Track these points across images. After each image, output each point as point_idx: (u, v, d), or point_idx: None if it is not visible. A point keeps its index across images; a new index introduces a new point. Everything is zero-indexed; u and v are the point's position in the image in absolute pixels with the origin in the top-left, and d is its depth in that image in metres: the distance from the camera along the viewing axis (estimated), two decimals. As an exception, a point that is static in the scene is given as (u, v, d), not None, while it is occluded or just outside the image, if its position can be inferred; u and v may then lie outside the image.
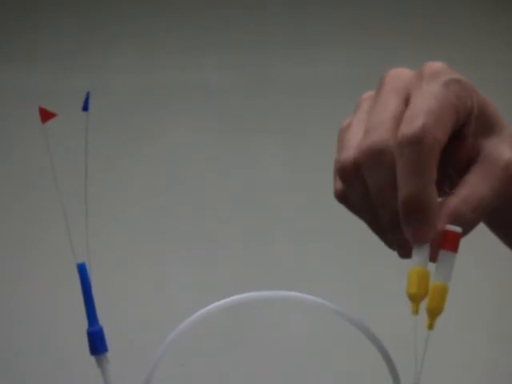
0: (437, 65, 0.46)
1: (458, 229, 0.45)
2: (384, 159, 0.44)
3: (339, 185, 0.48)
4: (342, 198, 0.49)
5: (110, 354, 0.44)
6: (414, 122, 0.44)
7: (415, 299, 0.45)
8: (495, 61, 2.18)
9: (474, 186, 0.45)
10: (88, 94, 0.44)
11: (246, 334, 2.09)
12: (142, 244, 2.13)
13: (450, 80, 0.46)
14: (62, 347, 2.07)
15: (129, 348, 1.97)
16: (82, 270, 0.43)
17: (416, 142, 0.43)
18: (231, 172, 2.16)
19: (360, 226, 0.55)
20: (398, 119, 0.45)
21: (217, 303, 0.44)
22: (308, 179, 2.09)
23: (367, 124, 0.46)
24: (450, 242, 0.45)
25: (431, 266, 0.46)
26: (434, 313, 0.46)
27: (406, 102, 0.46)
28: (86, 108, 0.43)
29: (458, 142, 0.46)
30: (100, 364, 0.43)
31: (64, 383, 2.09)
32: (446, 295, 0.45)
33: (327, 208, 1.71)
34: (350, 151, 0.46)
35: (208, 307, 0.43)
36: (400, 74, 0.48)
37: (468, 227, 0.45)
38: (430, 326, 0.46)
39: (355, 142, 0.46)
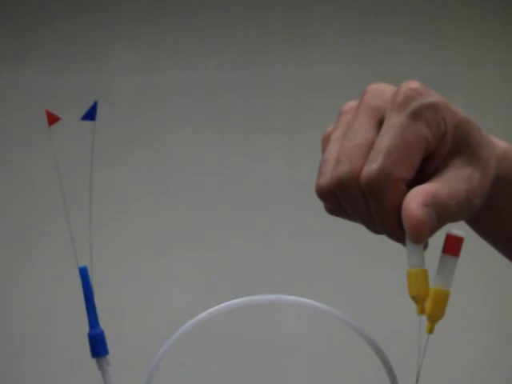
0: (411, 87, 0.47)
1: (462, 233, 0.46)
2: (349, 190, 0.47)
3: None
4: (331, 212, 0.51)
5: (110, 356, 0.45)
6: (373, 164, 0.46)
7: (417, 300, 0.46)
8: (495, 61, 2.18)
9: (446, 180, 0.46)
10: (96, 103, 0.44)
11: (245, 334, 2.10)
12: (142, 244, 2.13)
13: (421, 107, 0.46)
14: (62, 348, 2.08)
15: (129, 349, 1.97)
16: (84, 273, 0.43)
17: (373, 184, 0.45)
18: (231, 171, 2.17)
19: (359, 226, 0.56)
20: (368, 146, 0.47)
21: (218, 306, 0.44)
22: (308, 179, 2.09)
23: (338, 152, 0.48)
24: (452, 246, 0.46)
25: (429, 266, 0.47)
26: (434, 318, 0.46)
27: (380, 123, 0.47)
28: (92, 117, 0.43)
29: (428, 160, 0.47)
30: (101, 366, 0.44)
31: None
32: (446, 300, 0.46)
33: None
34: (324, 178, 0.48)
35: (209, 310, 0.44)
36: (379, 93, 0.48)
37: (445, 213, 0.46)
38: (430, 330, 0.46)
39: (328, 170, 0.48)
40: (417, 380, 0.47)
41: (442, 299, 0.46)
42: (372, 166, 0.45)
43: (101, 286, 0.56)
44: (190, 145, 2.18)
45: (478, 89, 2.13)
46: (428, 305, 0.46)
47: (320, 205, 0.51)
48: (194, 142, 2.18)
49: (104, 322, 0.49)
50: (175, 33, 2.21)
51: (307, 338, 2.09)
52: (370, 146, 0.47)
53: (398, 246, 0.51)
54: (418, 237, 0.45)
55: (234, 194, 2.16)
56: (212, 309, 0.43)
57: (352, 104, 0.50)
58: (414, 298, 0.46)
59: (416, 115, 0.46)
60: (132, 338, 2.04)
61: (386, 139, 0.46)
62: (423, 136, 0.46)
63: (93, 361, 0.46)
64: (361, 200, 0.47)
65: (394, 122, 0.46)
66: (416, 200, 0.45)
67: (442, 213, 0.45)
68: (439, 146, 0.47)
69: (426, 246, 0.47)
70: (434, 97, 0.47)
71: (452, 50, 2.17)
